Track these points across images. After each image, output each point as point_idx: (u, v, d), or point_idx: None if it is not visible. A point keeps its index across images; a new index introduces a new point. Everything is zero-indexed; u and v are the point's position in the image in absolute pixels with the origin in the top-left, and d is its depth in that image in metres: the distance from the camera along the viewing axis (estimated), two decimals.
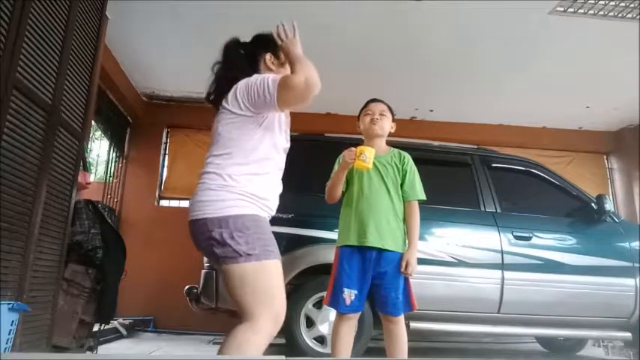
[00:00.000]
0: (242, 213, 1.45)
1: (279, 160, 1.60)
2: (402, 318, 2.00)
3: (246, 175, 1.49)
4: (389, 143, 2.25)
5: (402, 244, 2.03)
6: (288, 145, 1.63)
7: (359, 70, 4.50)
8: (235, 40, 1.73)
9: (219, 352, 1.40)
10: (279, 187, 1.60)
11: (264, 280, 1.43)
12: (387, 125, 2.17)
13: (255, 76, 1.55)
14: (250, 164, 1.51)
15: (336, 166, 2.16)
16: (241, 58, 1.70)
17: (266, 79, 1.49)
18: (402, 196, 2.08)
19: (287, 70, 1.60)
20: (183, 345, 3.97)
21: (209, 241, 1.44)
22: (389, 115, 2.19)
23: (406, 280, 2.00)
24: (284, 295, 1.47)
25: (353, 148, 1.97)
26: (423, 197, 2.10)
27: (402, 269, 1.97)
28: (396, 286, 1.97)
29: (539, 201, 3.51)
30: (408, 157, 2.14)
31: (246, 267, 1.41)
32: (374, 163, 2.08)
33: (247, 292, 1.41)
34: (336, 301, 2.01)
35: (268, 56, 1.68)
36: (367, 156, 1.89)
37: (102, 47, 2.86)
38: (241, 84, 1.56)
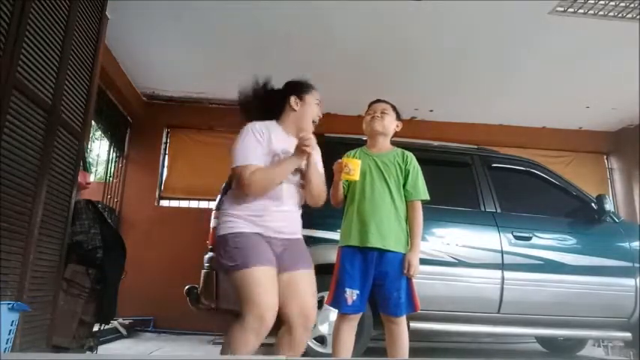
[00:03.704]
0: (225, 233, 1.80)
1: None
2: (403, 319, 1.99)
3: (235, 199, 1.84)
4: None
5: (404, 244, 2.03)
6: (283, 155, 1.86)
7: (359, 70, 4.50)
8: (264, 87, 2.01)
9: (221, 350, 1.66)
10: (272, 202, 1.83)
11: (247, 285, 1.69)
12: (389, 123, 2.16)
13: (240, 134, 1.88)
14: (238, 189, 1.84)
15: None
16: (272, 101, 2.00)
17: (234, 146, 1.84)
18: (405, 195, 2.07)
19: (306, 107, 1.96)
20: (183, 345, 3.97)
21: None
22: (392, 113, 2.18)
23: (409, 280, 2.00)
24: (270, 298, 1.68)
25: (340, 160, 1.98)
26: (427, 197, 2.09)
27: (405, 270, 1.97)
28: (398, 287, 1.96)
29: (539, 201, 3.51)
30: (411, 157, 2.14)
31: (232, 278, 1.74)
32: (376, 163, 2.08)
33: (238, 296, 1.72)
34: (338, 301, 2.01)
35: (293, 99, 1.96)
36: (351, 168, 1.93)
37: (102, 47, 2.86)
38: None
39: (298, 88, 1.99)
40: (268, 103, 1.97)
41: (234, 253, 1.73)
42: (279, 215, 1.83)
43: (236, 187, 1.84)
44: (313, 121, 1.98)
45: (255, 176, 1.75)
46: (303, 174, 1.90)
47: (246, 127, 1.87)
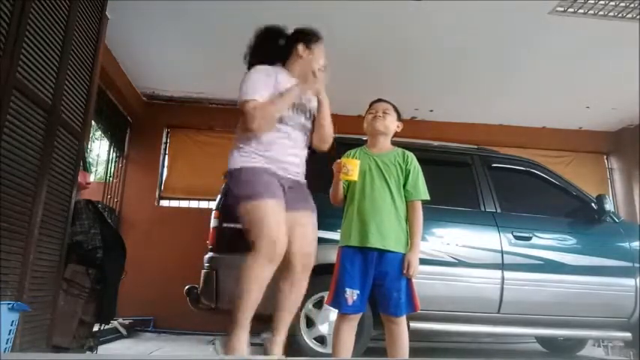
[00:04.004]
0: (237, 166, 1.88)
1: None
2: (403, 319, 1.99)
3: (245, 132, 1.91)
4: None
5: (404, 244, 2.03)
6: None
7: (359, 70, 4.50)
8: (276, 29, 2.12)
9: None
10: (281, 137, 1.92)
11: (259, 214, 1.76)
12: (390, 123, 2.16)
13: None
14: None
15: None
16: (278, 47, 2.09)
17: (241, 83, 1.92)
18: (405, 195, 2.07)
19: (313, 57, 2.04)
20: (183, 345, 3.97)
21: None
22: (393, 114, 2.18)
23: (409, 280, 2.00)
24: (281, 228, 1.76)
25: (339, 161, 1.99)
26: (427, 197, 2.09)
27: (404, 271, 1.97)
28: (398, 287, 1.96)
29: (539, 201, 3.50)
30: (411, 157, 2.14)
31: (242, 207, 1.81)
32: (377, 163, 2.08)
33: (247, 227, 1.79)
34: (338, 301, 2.01)
35: (301, 46, 2.05)
36: (349, 168, 1.94)
37: (102, 47, 2.86)
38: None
39: (307, 37, 2.07)
40: (277, 45, 2.07)
41: (246, 185, 1.81)
42: (287, 150, 1.93)
43: (242, 122, 1.91)
44: (319, 69, 2.05)
45: (257, 112, 1.82)
46: (312, 115, 2.04)
47: (254, 67, 1.97)
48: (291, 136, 1.96)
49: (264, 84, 1.90)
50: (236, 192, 1.85)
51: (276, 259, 1.73)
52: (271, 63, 2.03)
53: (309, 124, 2.06)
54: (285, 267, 1.85)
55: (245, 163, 1.87)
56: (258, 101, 1.84)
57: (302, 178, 2.04)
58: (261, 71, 1.95)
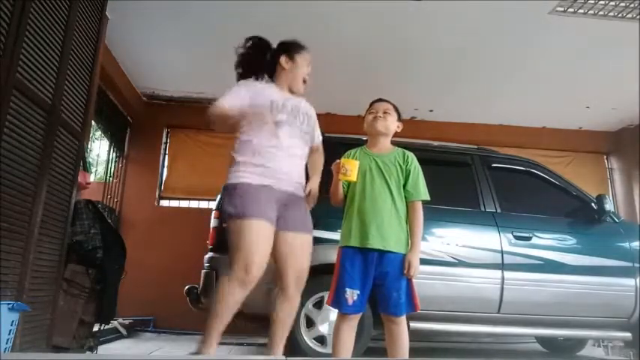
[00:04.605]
0: (231, 182, 1.88)
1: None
2: (403, 319, 1.99)
3: (240, 144, 1.96)
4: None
5: (405, 244, 2.03)
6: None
7: (359, 70, 4.50)
8: (265, 42, 2.14)
9: None
10: (275, 146, 1.93)
11: (240, 234, 1.77)
12: (390, 124, 2.16)
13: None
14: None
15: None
16: (264, 62, 2.12)
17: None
18: (405, 196, 2.07)
19: (296, 67, 2.06)
20: (183, 345, 3.97)
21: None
22: (393, 114, 2.18)
23: (409, 280, 2.00)
24: (259, 251, 1.76)
25: (338, 160, 1.98)
26: (427, 198, 2.09)
27: (405, 271, 1.97)
28: (398, 287, 1.96)
29: (539, 201, 3.50)
30: (412, 157, 2.13)
31: (229, 225, 1.82)
32: (377, 163, 2.07)
33: (230, 246, 1.81)
34: (338, 302, 2.01)
35: (284, 58, 2.07)
36: (348, 169, 1.93)
37: (102, 47, 2.86)
38: None
39: (288, 48, 2.10)
40: (261, 57, 2.10)
41: (236, 201, 1.82)
42: (283, 160, 1.93)
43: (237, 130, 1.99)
44: (304, 80, 2.09)
45: (213, 108, 1.93)
46: (309, 120, 2.06)
47: (239, 82, 2.04)
48: (288, 144, 1.96)
49: (238, 96, 1.96)
50: (225, 208, 1.85)
51: (247, 285, 1.74)
52: (260, 76, 2.08)
53: (307, 129, 2.06)
54: (279, 283, 1.91)
55: (240, 179, 1.87)
56: (223, 104, 1.94)
57: (301, 191, 2.02)
58: (241, 85, 2.03)
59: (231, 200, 1.83)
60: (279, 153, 1.93)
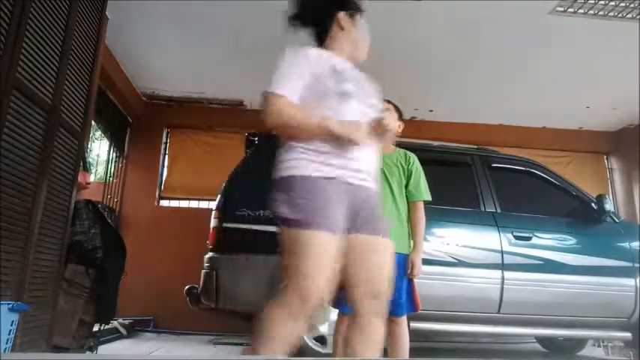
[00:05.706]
0: (290, 174, 1.40)
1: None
2: (404, 319, 2.00)
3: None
4: None
5: (406, 245, 2.03)
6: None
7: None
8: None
9: None
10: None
11: (301, 251, 1.32)
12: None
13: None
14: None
15: None
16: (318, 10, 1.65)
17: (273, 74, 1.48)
18: (407, 196, 2.07)
19: (356, 29, 1.66)
20: (183, 345, 3.97)
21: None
22: (394, 113, 2.18)
23: (410, 280, 2.00)
24: (322, 277, 1.32)
25: None
26: (429, 198, 2.09)
27: (408, 271, 1.97)
28: (399, 287, 1.97)
29: (539, 201, 3.50)
30: (413, 158, 2.14)
31: (284, 233, 1.37)
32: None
33: (283, 261, 1.37)
34: (338, 301, 2.01)
35: (342, 14, 1.63)
36: None
37: (102, 47, 2.86)
38: None
39: (348, 3, 1.66)
40: (312, 13, 1.63)
41: (299, 203, 1.35)
42: (355, 149, 1.45)
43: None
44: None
45: (275, 113, 1.41)
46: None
47: (293, 49, 1.53)
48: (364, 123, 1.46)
49: (299, 76, 1.48)
50: (280, 209, 1.37)
51: (302, 317, 1.32)
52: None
53: (376, 104, 1.65)
54: (351, 313, 1.46)
55: (303, 169, 1.39)
56: (286, 99, 1.42)
57: (375, 184, 1.54)
58: (297, 55, 1.51)
59: (290, 199, 1.36)
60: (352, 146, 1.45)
